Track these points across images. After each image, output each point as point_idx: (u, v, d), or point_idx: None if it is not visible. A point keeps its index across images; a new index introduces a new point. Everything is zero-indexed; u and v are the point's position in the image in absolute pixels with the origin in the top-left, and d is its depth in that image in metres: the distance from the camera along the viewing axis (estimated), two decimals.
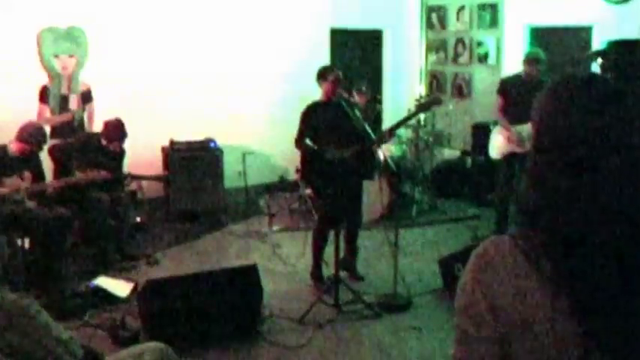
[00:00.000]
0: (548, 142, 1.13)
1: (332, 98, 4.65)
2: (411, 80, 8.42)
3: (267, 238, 5.93)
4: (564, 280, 1.06)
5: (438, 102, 4.94)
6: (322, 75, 4.72)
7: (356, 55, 8.24)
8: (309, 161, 4.65)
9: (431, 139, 7.28)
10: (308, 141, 4.64)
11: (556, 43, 6.68)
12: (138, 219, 5.98)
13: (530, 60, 5.40)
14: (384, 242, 5.11)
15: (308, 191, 6.00)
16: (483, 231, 5.95)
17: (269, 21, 7.40)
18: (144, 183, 5.99)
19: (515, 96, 5.42)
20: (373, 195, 5.76)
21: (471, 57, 7.69)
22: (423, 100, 4.88)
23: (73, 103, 5.72)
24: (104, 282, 4.52)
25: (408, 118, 5.00)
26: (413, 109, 5.28)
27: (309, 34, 7.59)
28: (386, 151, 4.86)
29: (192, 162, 6.44)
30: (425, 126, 7.39)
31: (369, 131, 4.49)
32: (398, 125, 4.75)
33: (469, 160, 7.33)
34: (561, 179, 1.10)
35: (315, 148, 4.58)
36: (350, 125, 4.60)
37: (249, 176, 6.90)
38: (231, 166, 6.85)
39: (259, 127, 7.38)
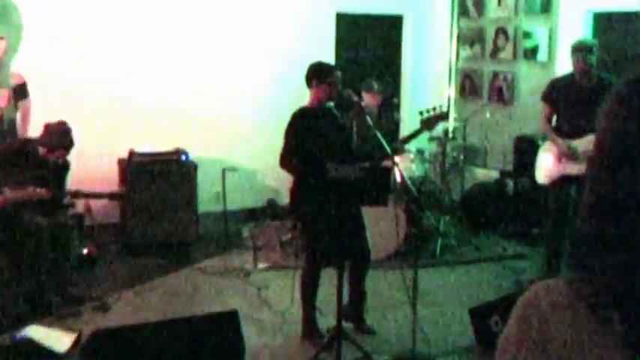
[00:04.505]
0: (616, 158, 1.12)
1: (323, 104, 4.73)
2: (437, 81, 8.50)
3: (252, 277, 5.94)
4: None
5: (442, 117, 5.05)
6: (317, 74, 4.71)
7: (368, 47, 8.33)
8: (302, 182, 4.65)
9: (461, 155, 7.31)
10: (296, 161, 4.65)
11: (626, 33, 6.69)
12: (85, 250, 5.98)
13: (575, 48, 5.34)
14: (400, 286, 5.08)
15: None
16: (529, 274, 5.96)
17: (255, 4, 7.47)
18: (94, 204, 5.97)
19: (565, 102, 5.42)
20: (386, 225, 5.71)
21: (515, 52, 7.73)
22: (424, 116, 4.98)
23: (2, 99, 5.73)
24: (37, 332, 4.45)
25: (413, 135, 5.12)
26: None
27: (308, 20, 7.67)
28: (404, 170, 4.87)
29: (158, 179, 6.47)
30: (454, 139, 7.43)
31: (384, 143, 4.49)
32: (406, 139, 4.83)
33: (510, 184, 7.35)
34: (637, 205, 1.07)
35: (312, 163, 4.58)
36: (346, 138, 4.68)
37: (230, 198, 6.92)
38: (207, 186, 6.88)
39: (243, 137, 7.43)
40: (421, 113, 5.02)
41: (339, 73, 4.77)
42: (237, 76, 7.40)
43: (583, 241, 1.13)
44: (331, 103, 4.78)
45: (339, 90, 4.74)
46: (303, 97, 4.88)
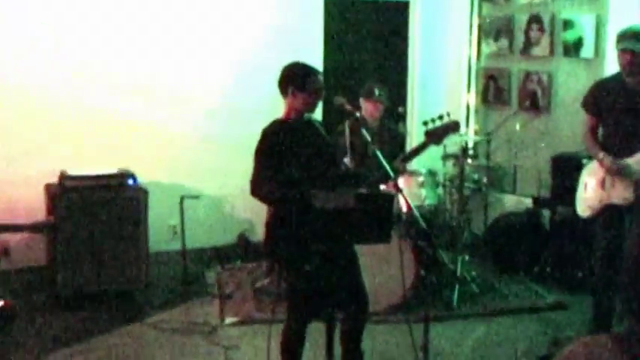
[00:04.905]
0: None
1: (301, 116, 4.76)
2: (452, 84, 8.62)
3: (218, 334, 5.94)
4: None
5: (452, 128, 5.03)
6: (294, 80, 4.70)
7: (365, 42, 8.43)
8: (281, 214, 4.65)
9: (484, 178, 7.41)
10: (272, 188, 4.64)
11: None
12: (1, 303, 5.89)
13: (620, 38, 5.26)
14: (407, 345, 4.96)
15: None
16: (571, 329, 6.00)
17: None
18: (12, 241, 5.97)
19: (612, 109, 5.37)
20: (389, 268, 5.86)
21: (552, 46, 7.78)
22: (430, 127, 4.98)
23: None
24: None
25: (417, 151, 5.13)
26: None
27: (285, 9, 7.79)
28: (410, 197, 4.92)
29: (97, 209, 6.45)
30: (475, 157, 7.55)
31: (384, 164, 4.56)
32: (408, 157, 4.89)
33: (547, 214, 7.40)
34: None
35: (292, 190, 4.57)
36: (332, 157, 4.75)
37: (191, 234, 6.99)
38: (160, 218, 6.99)
39: (207, 156, 7.54)
40: (425, 123, 4.97)
41: (321, 78, 4.77)
42: (198, 81, 7.53)
43: (635, 285, 1.13)
44: (312, 115, 4.84)
45: (331, 99, 4.81)
46: (278, 107, 4.89)
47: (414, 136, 7.97)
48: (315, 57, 7.51)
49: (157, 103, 7.38)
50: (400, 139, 7.14)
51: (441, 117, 4.96)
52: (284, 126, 4.74)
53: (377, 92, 6.61)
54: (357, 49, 8.40)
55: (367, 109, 6.62)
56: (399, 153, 5.73)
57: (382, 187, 5.49)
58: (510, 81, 8.24)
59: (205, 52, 7.59)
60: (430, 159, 6.96)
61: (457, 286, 6.67)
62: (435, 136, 5.00)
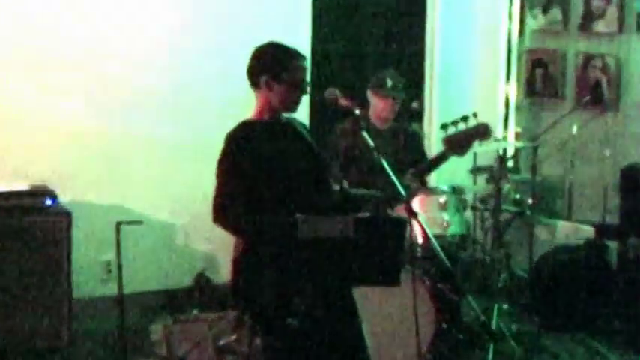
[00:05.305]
0: None
1: (278, 116, 4.77)
2: (485, 70, 8.68)
3: None
4: None
5: (480, 134, 5.07)
6: (269, 66, 4.69)
7: (368, 15, 8.46)
8: (254, 247, 4.64)
9: (529, 199, 7.40)
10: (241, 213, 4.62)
11: None
12: None
13: None
14: None
15: None
16: None
17: None
18: None
19: None
20: (400, 318, 5.79)
21: (622, 20, 7.83)
22: (450, 132, 4.93)
23: None
24: None
25: (434, 164, 5.19)
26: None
27: None
28: (428, 224, 4.87)
29: (3, 238, 6.43)
30: (516, 170, 7.48)
31: (394, 178, 4.51)
32: (423, 170, 4.97)
33: (614, 248, 7.42)
34: None
35: (268, 215, 4.58)
36: (321, 170, 4.78)
37: (131, 274, 6.92)
38: (89, 251, 6.97)
39: (152, 170, 7.53)
40: (444, 127, 5.00)
41: (306, 64, 4.77)
42: (136, 66, 7.49)
43: None
44: (293, 114, 4.82)
45: (327, 97, 4.73)
46: (250, 104, 4.86)
47: (433, 142, 7.94)
48: (299, 36, 7.57)
49: (85, 97, 7.32)
50: (415, 141, 7.03)
51: (465, 118, 4.98)
52: (255, 129, 4.75)
53: (390, 83, 6.53)
54: (356, 27, 8.41)
55: (377, 106, 6.59)
56: (416, 162, 5.71)
57: (391, 210, 5.44)
58: (565, 67, 8.27)
59: (151, 30, 7.55)
60: (455, 172, 6.95)
61: (492, 345, 6.62)
62: (457, 144, 5.07)
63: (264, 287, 4.57)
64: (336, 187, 5.09)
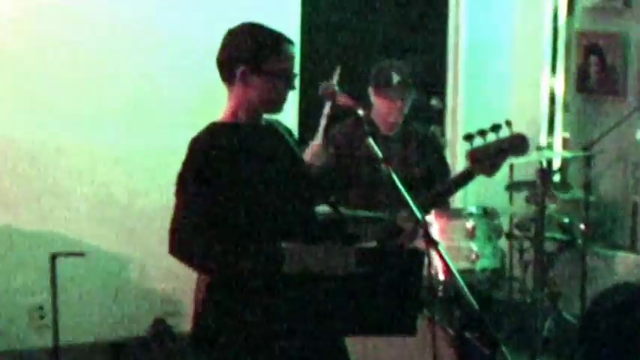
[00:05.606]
0: None
1: (256, 117, 4.73)
2: (524, 59, 8.70)
3: None
4: None
5: (517, 148, 5.00)
6: (244, 53, 4.62)
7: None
8: (224, 285, 4.62)
9: (581, 224, 7.36)
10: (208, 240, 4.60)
11: None
12: None
13: None
14: None
15: None
16: None
17: None
18: None
19: None
20: None
21: None
22: (478, 144, 4.91)
23: None
24: None
25: (459, 183, 5.12)
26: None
27: None
28: (451, 256, 4.86)
29: None
30: (565, 186, 7.46)
31: (405, 195, 4.48)
32: (441, 194, 4.99)
33: None
34: None
35: (243, 243, 4.54)
36: (309, 185, 4.77)
37: (69, 320, 6.98)
38: (17, 291, 6.94)
39: (95, 186, 7.52)
40: (468, 138, 4.95)
41: (293, 51, 4.72)
42: (88, 72, 7.52)
43: None
44: (276, 115, 4.78)
45: (322, 93, 4.73)
46: (219, 103, 4.85)
47: (457, 152, 7.91)
48: (287, 18, 7.64)
49: (13, 100, 7.35)
50: (434, 148, 7.04)
51: (495, 127, 4.89)
52: (227, 133, 4.69)
53: (397, 79, 6.54)
54: (358, 6, 8.46)
55: (381, 106, 6.62)
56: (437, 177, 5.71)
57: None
58: (625, 56, 8.25)
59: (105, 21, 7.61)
60: (486, 189, 6.93)
61: None
62: (485, 161, 4.96)
63: (237, 336, 4.56)
64: (328, 208, 5.10)
